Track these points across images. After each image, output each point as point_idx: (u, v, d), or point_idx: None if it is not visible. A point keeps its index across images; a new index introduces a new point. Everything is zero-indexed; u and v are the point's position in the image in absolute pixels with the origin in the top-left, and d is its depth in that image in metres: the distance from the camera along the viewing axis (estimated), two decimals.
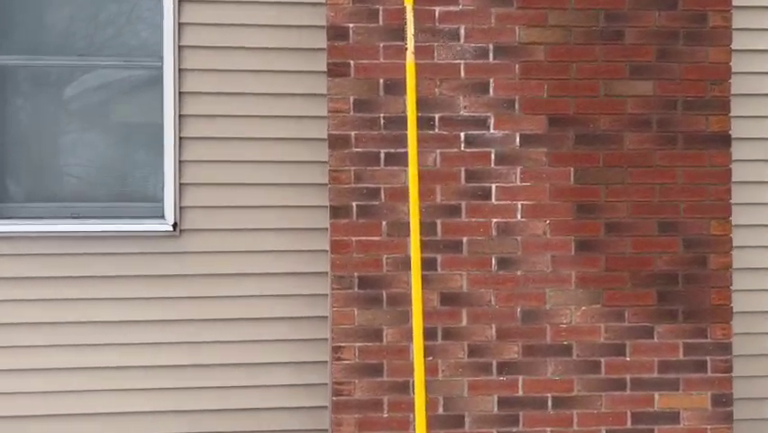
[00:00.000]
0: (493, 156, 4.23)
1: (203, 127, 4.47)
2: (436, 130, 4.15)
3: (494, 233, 4.26)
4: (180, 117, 4.46)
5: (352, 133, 4.15)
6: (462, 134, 4.16)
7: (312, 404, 4.47)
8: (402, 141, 4.05)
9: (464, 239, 4.23)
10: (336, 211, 4.18)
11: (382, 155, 4.26)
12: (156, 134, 4.47)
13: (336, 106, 4.11)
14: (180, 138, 4.47)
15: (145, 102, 4.57)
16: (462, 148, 4.23)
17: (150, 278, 4.45)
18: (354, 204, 4.22)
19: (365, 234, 4.22)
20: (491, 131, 4.22)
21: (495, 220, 4.29)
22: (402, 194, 4.14)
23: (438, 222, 4.24)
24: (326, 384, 4.25)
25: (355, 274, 4.25)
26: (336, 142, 4.19)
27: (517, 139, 4.15)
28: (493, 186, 4.22)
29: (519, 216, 4.26)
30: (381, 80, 4.21)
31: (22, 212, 4.15)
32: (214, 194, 4.46)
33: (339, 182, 4.17)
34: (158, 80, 4.44)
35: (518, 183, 4.15)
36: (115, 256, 4.40)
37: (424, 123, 4.14)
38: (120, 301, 4.38)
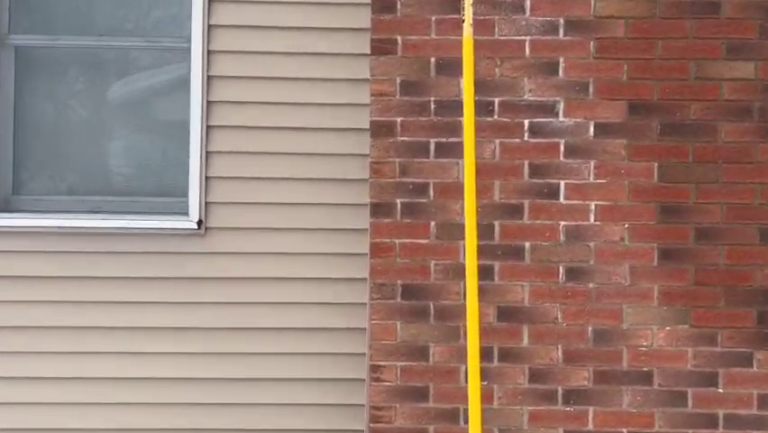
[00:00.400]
0: (562, 148, 3.22)
1: (232, 115, 3.52)
2: (496, 117, 3.22)
3: (562, 238, 3.20)
4: (208, 104, 3.51)
5: (398, 120, 3.22)
6: (527, 122, 3.22)
7: (348, 427, 3.45)
8: (455, 129, 3.09)
9: (527, 244, 3.22)
10: (377, 209, 3.18)
11: (432, 145, 3.22)
12: (182, 123, 3.54)
13: (380, 89, 3.19)
14: (208, 127, 3.52)
15: (171, 87, 3.68)
16: (526, 138, 3.22)
17: (172, 280, 3.51)
18: (398, 201, 3.20)
19: (410, 237, 3.18)
20: (560, 118, 3.22)
21: (563, 223, 3.21)
22: (454, 190, 3.13)
23: (496, 224, 3.21)
24: (364, 406, 3.29)
25: (398, 282, 3.19)
26: (379, 130, 3.18)
27: (591, 128, 3.22)
28: (562, 183, 3.22)
29: (592, 219, 3.21)
30: (433, 59, 3.17)
31: (38, 205, 3.38)
32: (243, 189, 3.51)
33: (381, 176, 3.20)
34: (185, 63, 3.53)
35: (592, 180, 3.21)
36: (135, 256, 3.49)
37: (481, 108, 3.05)
38: (138, 306, 3.50)
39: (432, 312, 3.08)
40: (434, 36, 3.12)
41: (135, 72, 3.62)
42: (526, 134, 3.03)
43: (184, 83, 3.47)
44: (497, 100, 3.05)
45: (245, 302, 3.27)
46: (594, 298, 3.03)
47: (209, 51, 3.46)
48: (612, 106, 3.01)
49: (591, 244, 3.01)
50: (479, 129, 2.88)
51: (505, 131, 3.07)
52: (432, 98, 3.06)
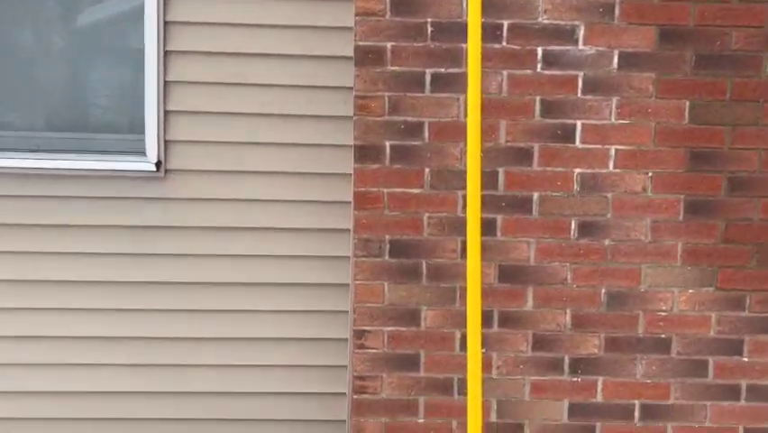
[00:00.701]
0: (581, 82, 2.39)
1: (195, 36, 2.60)
2: (504, 43, 2.38)
3: (576, 187, 2.44)
4: (166, 24, 2.59)
5: (388, 45, 2.37)
6: (540, 51, 2.39)
7: (332, 390, 2.74)
8: (456, 57, 2.30)
9: (535, 195, 2.45)
10: (363, 153, 2.39)
11: (428, 77, 2.38)
12: (136, 46, 2.63)
13: (366, 6, 2.34)
14: (166, 52, 2.61)
15: (123, 9, 2.72)
16: (539, 69, 2.39)
17: (127, 229, 2.69)
18: (387, 143, 2.39)
19: (401, 185, 2.40)
20: (580, 47, 2.38)
21: (578, 170, 2.43)
22: (454, 131, 2.35)
23: (500, 171, 2.43)
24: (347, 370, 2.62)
25: (386, 238, 2.43)
26: (365, 58, 2.34)
27: (615, 59, 2.40)
28: (578, 123, 2.41)
29: (611, 167, 2.43)
30: None
31: None
32: (208, 125, 2.64)
33: (367, 113, 2.37)
34: None
35: (613, 120, 2.41)
36: (83, 201, 2.65)
37: (487, 32, 2.16)
38: (87, 257, 2.68)
39: (424, 271, 2.46)
40: None
41: None
42: (539, 65, 2.35)
43: (138, 5, 2.61)
44: (505, 23, 2.28)
45: (211, 254, 2.57)
46: (609, 256, 2.46)
47: None
48: (640, 33, 2.19)
49: (609, 196, 2.28)
50: (483, 58, 2.11)
51: (514, 60, 2.38)
52: (429, 19, 2.36)
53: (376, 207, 2.39)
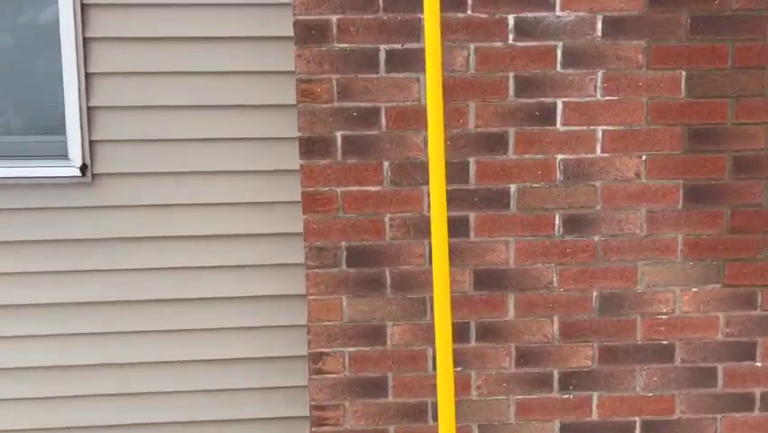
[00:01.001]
0: (560, 54, 2.03)
1: (118, 20, 2.18)
2: (469, 12, 2.02)
3: (559, 177, 2.08)
4: (84, 6, 2.16)
5: (333, 19, 2.00)
6: (511, 19, 2.03)
7: (291, 414, 2.31)
8: (414, 30, 1.94)
9: (512, 187, 2.08)
10: (310, 146, 2.00)
11: (382, 54, 2.01)
12: (52, 30, 2.18)
13: None
14: (85, 38, 2.19)
15: None
16: (511, 41, 2.03)
17: (51, 244, 2.27)
18: (338, 134, 2.02)
19: (357, 182, 2.02)
20: (557, 12, 2.02)
21: (561, 157, 2.07)
22: (414, 117, 1.97)
23: (471, 161, 2.06)
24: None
25: (342, 244, 2.06)
26: (307, 35, 1.95)
27: (599, 25, 2.03)
28: (559, 102, 2.05)
29: (599, 150, 2.07)
30: None
31: None
32: (138, 121, 2.22)
33: (313, 99, 2.00)
34: None
35: (599, 97, 2.05)
36: (3, 214, 2.24)
37: (449, 0, 1.84)
38: (6, 277, 2.27)
39: (388, 281, 2.10)
40: None
41: None
42: (511, 36, 1.97)
43: None
44: None
45: (148, 268, 2.22)
46: (601, 254, 2.11)
47: None
48: None
49: (597, 184, 1.89)
50: (446, 30, 1.81)
51: (482, 31, 2.01)
52: None
53: (328, 210, 1.99)
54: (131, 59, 2.20)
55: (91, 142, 2.28)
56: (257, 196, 2.24)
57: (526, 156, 2.00)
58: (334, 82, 1.94)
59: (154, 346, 2.31)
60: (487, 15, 1.94)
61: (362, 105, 1.95)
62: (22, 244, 2.30)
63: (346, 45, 1.93)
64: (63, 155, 2.27)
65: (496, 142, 1.99)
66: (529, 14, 1.95)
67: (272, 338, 2.34)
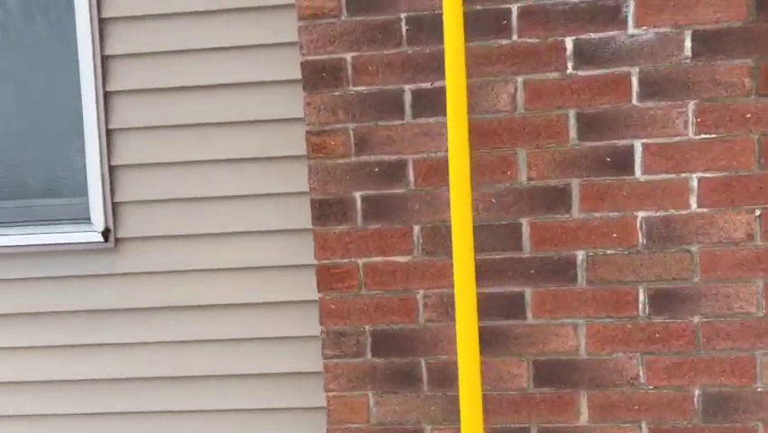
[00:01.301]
0: (635, 83, 1.56)
1: (140, 70, 1.93)
2: (514, 37, 1.58)
3: (641, 240, 1.58)
4: (105, 58, 1.95)
5: (347, 57, 1.64)
6: (569, 42, 1.57)
7: None
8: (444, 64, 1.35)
9: (579, 255, 1.60)
10: (324, 210, 1.66)
11: (408, 95, 1.63)
12: (71, 86, 1.95)
13: (313, 6, 1.64)
14: (106, 93, 1.96)
15: (51, 33, 2.02)
16: (570, 70, 1.57)
17: (71, 315, 2.01)
18: (358, 195, 1.66)
19: (381, 252, 1.63)
20: (631, 30, 1.55)
21: (642, 214, 1.57)
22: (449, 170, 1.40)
23: (524, 223, 1.62)
24: None
25: (366, 328, 1.67)
26: (317, 78, 1.62)
27: (687, 42, 1.54)
28: (637, 144, 1.56)
29: (694, 205, 1.56)
30: None
31: None
32: (164, 180, 1.95)
33: (326, 154, 1.65)
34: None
35: (692, 135, 1.55)
36: (17, 283, 2.01)
37: (487, 24, 1.52)
38: (25, 351, 2.04)
39: (424, 375, 1.66)
40: None
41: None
42: (570, 63, 1.56)
43: (68, 25, 1.96)
44: (515, 7, 1.51)
45: (176, 341, 1.92)
46: (703, 341, 1.57)
47: None
48: (725, 1, 1.12)
49: (694, 249, 1.53)
50: (485, 61, 1.51)
51: (532, 60, 1.57)
52: (402, 14, 1.61)
53: (348, 286, 1.59)
54: (154, 113, 1.93)
55: (114, 204, 2.02)
56: (294, 258, 1.88)
57: (596, 214, 1.51)
58: (351, 132, 1.55)
59: (182, 428, 1.99)
60: (538, 40, 1.49)
61: (385, 158, 1.55)
62: (43, 316, 2.07)
63: (364, 87, 1.54)
64: (85, 218, 2.02)
65: (555, 199, 1.51)
66: (593, 35, 1.47)
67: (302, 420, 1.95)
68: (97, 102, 1.94)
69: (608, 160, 1.52)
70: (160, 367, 2.00)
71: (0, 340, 2.07)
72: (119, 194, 2.00)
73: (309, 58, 1.55)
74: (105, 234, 1.99)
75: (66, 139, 2.07)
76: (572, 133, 1.51)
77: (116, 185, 2.00)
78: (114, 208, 2.02)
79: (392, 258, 1.57)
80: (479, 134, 1.48)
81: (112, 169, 2.00)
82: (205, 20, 1.89)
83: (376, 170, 1.56)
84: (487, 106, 1.49)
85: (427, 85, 1.54)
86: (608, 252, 1.53)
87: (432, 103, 1.54)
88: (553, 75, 1.51)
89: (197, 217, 1.94)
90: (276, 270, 1.95)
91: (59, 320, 2.05)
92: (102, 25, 1.94)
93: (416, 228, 1.57)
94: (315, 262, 1.60)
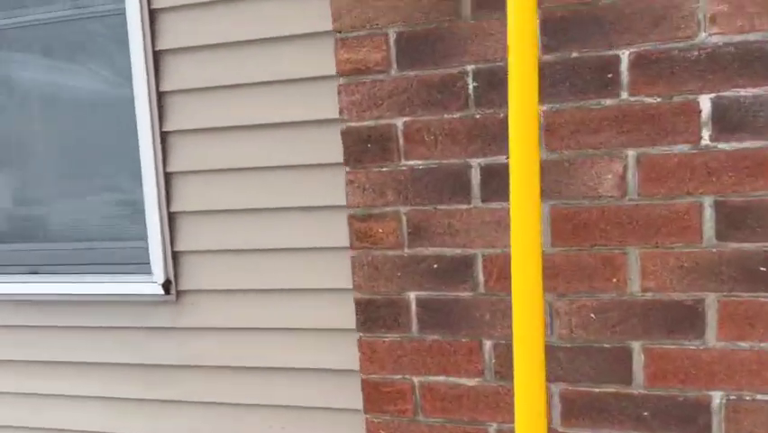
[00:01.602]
0: None
1: (199, 110, 1.65)
2: (624, 95, 1.10)
3: None
4: (160, 94, 1.70)
5: (398, 123, 1.23)
6: (706, 101, 1.07)
7: None
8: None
9: (715, 397, 1.14)
10: (371, 313, 1.26)
11: (475, 172, 1.20)
12: (128, 129, 1.75)
13: (355, 59, 1.24)
14: (163, 132, 1.72)
15: (106, 74, 1.84)
16: (707, 141, 1.07)
17: (129, 369, 1.86)
18: (412, 296, 1.26)
19: (442, 371, 1.24)
20: None
21: None
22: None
23: (635, 348, 1.17)
24: None
25: None
26: (361, 150, 1.22)
27: None
28: None
29: None
30: None
31: None
32: (229, 226, 1.66)
33: (373, 244, 1.26)
34: (121, 34, 1.70)
35: None
36: (77, 332, 1.87)
37: (583, 75, 1.04)
38: (89, 402, 1.90)
39: None
40: None
41: (58, 59, 1.88)
42: (707, 132, 1.07)
43: (123, 65, 1.75)
44: (625, 53, 1.09)
45: (244, 404, 1.70)
46: None
47: (152, 11, 1.69)
48: None
49: None
50: (581, 127, 1.10)
51: (649, 127, 1.10)
52: (470, 66, 1.19)
53: (401, 410, 1.22)
54: (212, 152, 1.66)
55: (175, 254, 1.81)
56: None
57: (743, 344, 1.02)
58: (403, 218, 1.16)
59: None
60: (658, 99, 1.00)
61: (447, 251, 1.15)
62: (97, 368, 1.93)
63: (419, 162, 1.14)
64: (145, 270, 1.84)
65: (682, 319, 1.04)
66: (743, 92, 0.96)
67: None
68: (153, 138, 1.71)
69: (763, 270, 1.00)
70: (219, 426, 1.77)
71: (55, 387, 1.94)
72: (180, 241, 1.77)
73: (352, 124, 1.16)
74: (166, 286, 1.78)
75: (126, 182, 1.86)
76: (708, 230, 1.02)
77: (177, 233, 1.77)
78: (176, 258, 1.79)
79: (456, 379, 1.18)
80: (573, 227, 1.04)
81: (171, 216, 1.77)
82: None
83: (435, 266, 1.15)
84: (584, 190, 1.04)
85: (503, 159, 1.10)
86: (758, 396, 1.03)
87: (507, 183, 1.10)
88: (681, 148, 1.02)
89: (267, 271, 1.65)
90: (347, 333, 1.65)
91: (118, 373, 1.89)
92: (157, 60, 1.65)
93: (488, 344, 1.15)
94: (361, 375, 1.23)
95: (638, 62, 1.05)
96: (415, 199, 1.18)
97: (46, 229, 2.00)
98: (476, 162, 1.15)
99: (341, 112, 1.21)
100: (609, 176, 1.08)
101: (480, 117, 1.14)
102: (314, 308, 1.65)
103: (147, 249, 1.79)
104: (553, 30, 1.06)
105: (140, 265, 1.82)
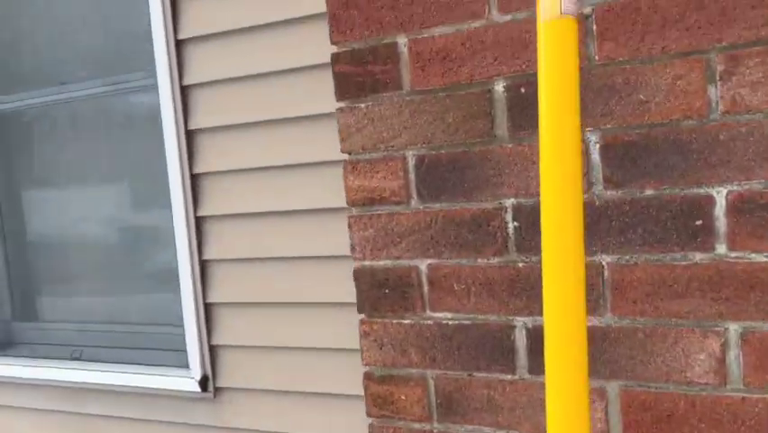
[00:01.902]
0: None
1: (233, 192, 1.44)
2: (720, 249, 0.93)
3: None
4: (193, 177, 1.52)
5: (422, 267, 1.08)
6: None
7: None
8: None
9: None
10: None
11: (521, 333, 0.96)
12: (162, 211, 1.59)
13: (366, 185, 1.06)
14: (197, 218, 1.53)
15: (137, 149, 1.68)
16: None
17: None
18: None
19: None
20: None
21: None
22: None
23: None
24: None
25: None
26: (377, 296, 0.96)
27: None
28: None
29: None
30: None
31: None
32: (269, 320, 1.43)
33: (395, 414, 1.00)
34: (153, 109, 1.54)
35: None
36: (124, 422, 1.70)
37: (664, 220, 0.79)
38: None
39: None
40: None
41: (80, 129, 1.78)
42: None
43: (155, 144, 1.61)
44: (721, 193, 0.82)
45: None
46: None
47: (183, 87, 1.53)
48: None
49: None
50: (662, 289, 0.82)
51: (759, 295, 0.79)
52: (509, 200, 1.01)
53: None
54: (251, 240, 1.48)
55: (212, 348, 1.63)
56: None
57: None
58: (431, 384, 0.89)
59: None
60: (766, 257, 0.67)
61: (486, 431, 0.85)
62: None
63: (448, 314, 0.87)
64: (183, 364, 1.68)
65: None
66: None
67: None
68: (187, 221, 1.55)
69: None
70: None
71: None
72: (217, 335, 1.58)
73: (365, 263, 0.89)
74: (203, 382, 1.59)
75: (161, 269, 1.71)
76: None
77: (215, 324, 1.58)
78: (213, 354, 1.60)
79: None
80: (653, 418, 0.72)
81: (208, 306, 1.58)
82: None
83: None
84: (665, 371, 0.73)
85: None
86: None
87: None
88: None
89: (307, 371, 1.45)
90: None
91: None
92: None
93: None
94: None
95: (740, 205, 0.71)
96: (444, 362, 0.89)
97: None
98: (521, 322, 0.84)
99: (352, 249, 0.94)
100: (702, 357, 0.75)
101: (523, 266, 0.83)
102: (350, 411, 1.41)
103: (185, 344, 1.61)
104: (618, 159, 0.74)
105: (176, 364, 1.63)
